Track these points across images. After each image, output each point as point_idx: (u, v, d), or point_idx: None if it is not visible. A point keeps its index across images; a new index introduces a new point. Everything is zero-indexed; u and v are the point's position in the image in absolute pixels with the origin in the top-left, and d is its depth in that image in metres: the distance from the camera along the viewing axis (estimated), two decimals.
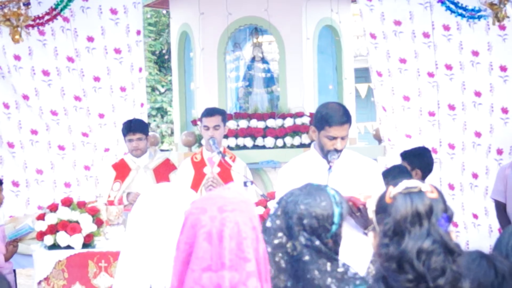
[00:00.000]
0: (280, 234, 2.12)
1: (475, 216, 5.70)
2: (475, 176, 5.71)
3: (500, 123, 5.54)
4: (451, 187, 5.74)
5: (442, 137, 5.74)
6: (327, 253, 2.11)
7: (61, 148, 5.97)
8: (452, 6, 5.40)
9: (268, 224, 2.16)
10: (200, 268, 1.65)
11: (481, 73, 5.49)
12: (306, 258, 2.09)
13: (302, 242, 2.10)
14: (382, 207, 1.91)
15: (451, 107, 5.65)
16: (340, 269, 2.13)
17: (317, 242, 2.10)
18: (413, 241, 1.81)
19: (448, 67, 5.58)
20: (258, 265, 1.66)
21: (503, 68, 5.45)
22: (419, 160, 4.95)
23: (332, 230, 2.14)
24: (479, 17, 5.30)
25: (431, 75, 5.63)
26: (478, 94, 5.55)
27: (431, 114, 5.73)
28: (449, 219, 1.87)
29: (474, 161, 5.68)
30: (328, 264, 2.11)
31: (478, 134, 5.62)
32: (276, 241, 2.12)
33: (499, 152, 5.59)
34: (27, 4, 4.96)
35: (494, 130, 5.56)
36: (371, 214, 1.95)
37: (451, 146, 5.74)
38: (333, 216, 2.15)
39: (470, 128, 5.64)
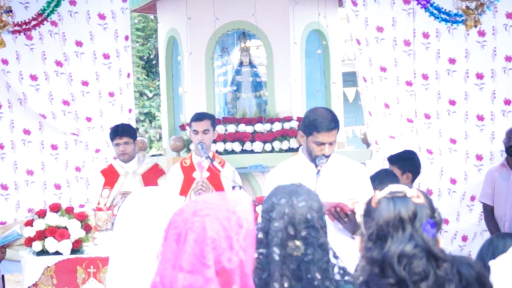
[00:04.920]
0: (280, 235, 2.12)
1: (446, 221, 5.74)
2: (453, 181, 5.77)
3: (476, 130, 5.60)
4: (429, 192, 5.79)
5: (420, 143, 5.79)
6: (326, 246, 2.12)
7: (54, 147, 5.96)
8: (435, 12, 5.45)
9: (264, 227, 2.16)
10: (164, 267, 1.68)
11: (456, 81, 5.56)
12: (309, 257, 2.09)
13: (307, 240, 2.10)
14: (368, 212, 1.92)
15: (427, 116, 5.72)
16: (340, 270, 2.14)
17: (322, 238, 2.11)
18: (395, 245, 1.82)
19: (425, 76, 5.64)
20: (223, 275, 1.67)
21: (480, 76, 5.51)
22: (409, 164, 4.98)
23: (324, 221, 2.15)
24: (463, 21, 5.35)
25: (409, 83, 5.69)
26: (452, 102, 5.61)
27: (409, 120, 5.79)
28: (436, 225, 1.87)
29: (452, 167, 5.73)
30: (332, 261, 2.12)
31: (453, 141, 5.69)
32: (276, 241, 2.12)
33: (479, 158, 5.65)
34: (8, 12, 4.95)
35: (469, 137, 5.63)
36: (359, 218, 1.96)
37: (429, 152, 5.80)
38: (322, 208, 2.18)
39: (445, 136, 5.70)
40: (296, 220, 2.12)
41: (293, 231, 2.12)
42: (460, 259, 2.04)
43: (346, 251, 2.85)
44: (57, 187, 6.01)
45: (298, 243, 2.11)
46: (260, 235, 2.16)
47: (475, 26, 4.89)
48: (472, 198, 5.79)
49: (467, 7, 4.80)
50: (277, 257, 2.10)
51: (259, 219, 2.23)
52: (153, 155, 8.10)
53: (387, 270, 1.82)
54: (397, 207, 1.85)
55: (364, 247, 1.90)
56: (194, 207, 1.71)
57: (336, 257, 2.17)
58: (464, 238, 5.78)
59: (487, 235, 5.61)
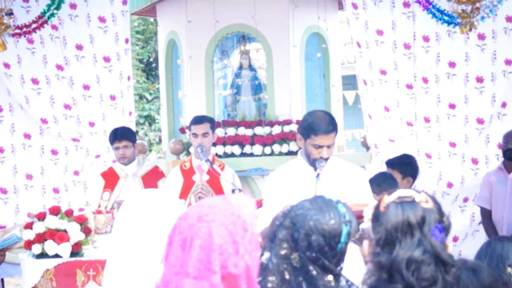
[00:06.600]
0: (285, 245, 2.10)
1: None
2: (449, 185, 5.78)
3: (475, 133, 5.60)
4: None
5: (419, 147, 5.80)
6: (332, 270, 2.10)
7: (54, 152, 5.97)
8: (437, 13, 5.46)
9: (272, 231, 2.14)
10: (170, 272, 1.68)
11: (456, 85, 5.57)
12: (314, 273, 2.08)
13: (308, 257, 2.09)
14: (376, 216, 1.92)
15: (426, 120, 5.72)
16: (344, 286, 2.13)
17: (322, 260, 2.09)
18: (403, 251, 1.82)
19: (425, 80, 5.65)
20: (229, 280, 1.67)
21: (480, 79, 5.51)
22: (409, 168, 4.99)
23: (338, 249, 2.11)
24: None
25: (409, 87, 5.70)
26: (452, 106, 5.62)
27: (409, 124, 5.80)
28: (445, 229, 1.88)
29: (450, 171, 5.74)
30: (333, 280, 2.10)
31: (453, 144, 5.70)
32: (281, 252, 2.11)
33: (474, 161, 5.66)
34: (9, 14, 4.97)
35: (469, 140, 5.63)
36: (367, 223, 1.96)
37: (428, 156, 5.81)
38: (341, 235, 2.11)
39: (444, 139, 5.71)
40: (301, 234, 2.10)
41: (295, 243, 2.11)
42: (468, 264, 2.05)
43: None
44: (56, 191, 6.02)
45: (295, 255, 2.10)
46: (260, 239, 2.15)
47: (470, 30, 4.90)
48: (465, 200, 5.80)
49: (463, 11, 4.81)
50: (270, 265, 2.10)
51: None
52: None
53: (395, 275, 1.82)
54: (405, 212, 1.85)
55: (372, 252, 1.90)
56: (199, 212, 1.71)
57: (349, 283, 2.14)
58: (455, 239, 5.79)
59: (478, 235, 5.63)
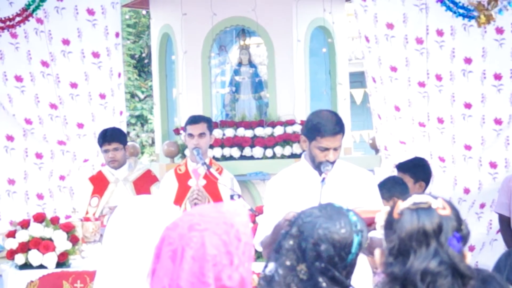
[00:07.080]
0: (291, 256, 2.10)
1: None
2: (466, 191, 5.77)
3: (492, 135, 5.60)
4: None
5: (432, 150, 5.81)
6: (343, 282, 2.10)
7: (39, 156, 5.97)
8: (452, 6, 5.47)
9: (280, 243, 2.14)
10: (159, 286, 1.68)
11: (472, 83, 5.56)
12: (324, 285, 2.08)
13: (317, 268, 2.09)
14: (390, 223, 1.91)
15: (440, 120, 5.72)
16: None
17: (332, 271, 2.08)
18: (418, 262, 1.81)
19: (438, 77, 5.64)
20: None
21: (498, 76, 5.51)
22: (422, 172, 5.00)
23: (348, 260, 2.11)
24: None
25: (422, 85, 5.70)
26: (468, 105, 5.62)
27: (421, 125, 5.79)
28: (463, 239, 1.87)
29: (466, 175, 5.73)
30: None
31: (468, 147, 5.69)
32: (287, 263, 2.12)
33: (493, 165, 5.65)
34: None
35: (485, 142, 5.63)
36: (380, 230, 1.96)
37: (441, 159, 5.81)
38: (351, 246, 2.11)
39: (459, 142, 5.70)
40: (309, 244, 2.10)
41: (303, 253, 2.11)
42: (481, 275, 2.05)
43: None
44: (40, 197, 6.01)
45: (302, 266, 2.10)
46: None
47: (488, 23, 4.90)
48: (482, 206, 5.80)
49: (479, 3, 4.81)
50: (277, 277, 2.11)
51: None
52: None
53: None
54: (421, 219, 1.84)
55: (384, 262, 1.90)
56: (190, 221, 1.71)
57: None
58: (471, 248, 5.77)
59: (496, 245, 5.62)
